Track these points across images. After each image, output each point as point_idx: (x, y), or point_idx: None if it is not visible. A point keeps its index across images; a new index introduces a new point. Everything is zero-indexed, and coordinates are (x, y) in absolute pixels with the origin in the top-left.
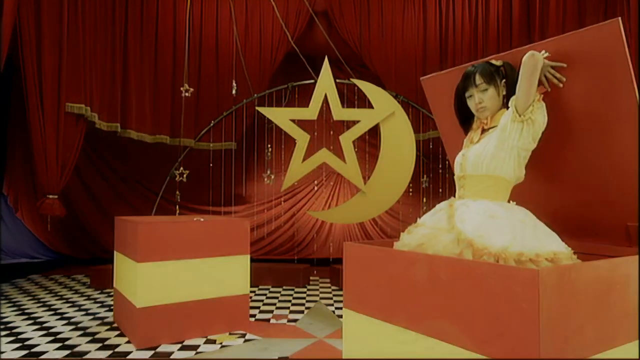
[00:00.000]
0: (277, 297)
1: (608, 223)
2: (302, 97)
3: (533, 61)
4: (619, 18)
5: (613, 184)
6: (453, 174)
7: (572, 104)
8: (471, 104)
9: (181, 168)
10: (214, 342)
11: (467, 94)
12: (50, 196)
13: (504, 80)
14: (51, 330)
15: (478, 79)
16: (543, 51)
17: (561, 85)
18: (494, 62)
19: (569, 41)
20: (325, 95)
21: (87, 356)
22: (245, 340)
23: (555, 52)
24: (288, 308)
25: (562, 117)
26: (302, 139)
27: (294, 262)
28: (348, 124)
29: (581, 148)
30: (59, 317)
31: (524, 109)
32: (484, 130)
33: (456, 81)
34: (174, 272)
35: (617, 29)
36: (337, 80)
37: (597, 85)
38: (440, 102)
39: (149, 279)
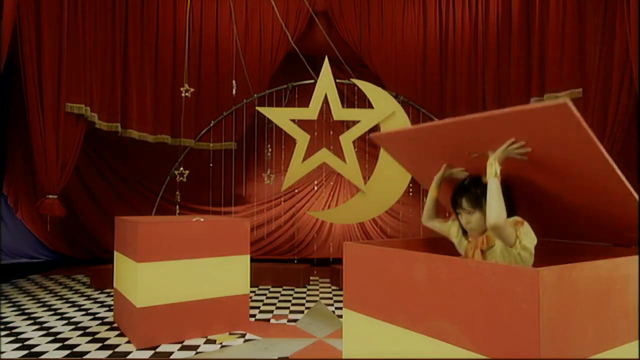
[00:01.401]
0: (277, 297)
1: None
2: (302, 97)
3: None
4: (567, 102)
5: (606, 211)
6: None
7: (548, 165)
8: (460, 219)
9: (181, 168)
10: (214, 342)
11: (456, 210)
12: (50, 196)
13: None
14: (51, 330)
15: (464, 204)
16: (511, 142)
17: (526, 158)
18: (484, 178)
19: (525, 116)
20: (325, 95)
21: (87, 356)
22: (245, 340)
23: (514, 124)
24: (288, 308)
25: (543, 175)
26: (302, 139)
27: (294, 262)
28: (348, 124)
29: (569, 192)
30: (59, 317)
31: (511, 244)
32: (482, 251)
33: (407, 140)
34: (174, 272)
35: (567, 111)
36: (337, 80)
37: (564, 151)
38: (400, 153)
39: (149, 279)
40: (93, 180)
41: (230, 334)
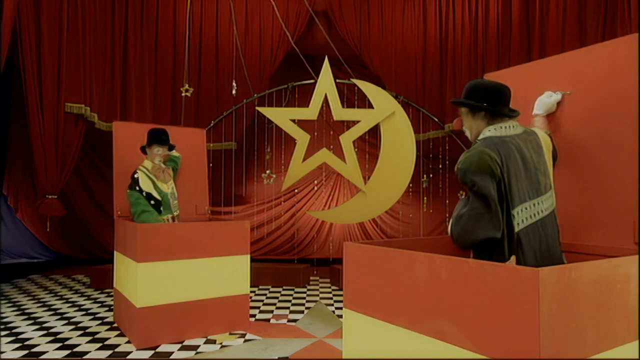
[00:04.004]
0: (277, 297)
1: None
2: (302, 97)
3: None
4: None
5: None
6: (452, 174)
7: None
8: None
9: None
10: (214, 342)
11: None
12: (50, 196)
13: None
14: (51, 330)
15: None
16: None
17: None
18: None
19: (582, 56)
20: (325, 95)
21: (87, 356)
22: (245, 340)
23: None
24: (288, 308)
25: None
26: (302, 139)
27: (294, 262)
28: (348, 124)
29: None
30: (59, 317)
31: None
32: None
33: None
34: (174, 272)
35: (634, 44)
36: (337, 80)
37: (603, 99)
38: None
39: (149, 279)
40: (93, 180)
41: (230, 334)
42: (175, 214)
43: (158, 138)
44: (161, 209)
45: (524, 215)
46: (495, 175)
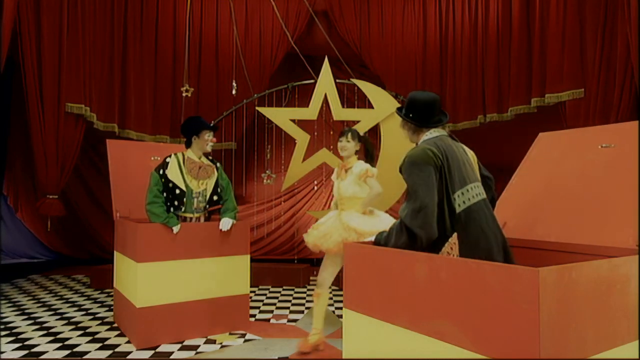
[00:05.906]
0: (277, 297)
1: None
2: (302, 97)
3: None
4: None
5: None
6: None
7: None
8: (340, 144)
9: None
10: (214, 342)
11: (340, 138)
12: (50, 196)
13: (360, 143)
14: (51, 330)
15: (347, 133)
16: None
17: None
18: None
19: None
20: (325, 95)
21: (87, 356)
22: (245, 340)
23: None
24: (288, 308)
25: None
26: (302, 139)
27: (294, 262)
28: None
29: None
30: (59, 317)
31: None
32: (346, 170)
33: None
34: (174, 272)
35: None
36: (337, 80)
37: None
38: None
39: (149, 279)
40: (93, 180)
41: (230, 334)
42: (195, 215)
43: (207, 124)
44: (184, 200)
45: (464, 198)
46: (437, 166)
